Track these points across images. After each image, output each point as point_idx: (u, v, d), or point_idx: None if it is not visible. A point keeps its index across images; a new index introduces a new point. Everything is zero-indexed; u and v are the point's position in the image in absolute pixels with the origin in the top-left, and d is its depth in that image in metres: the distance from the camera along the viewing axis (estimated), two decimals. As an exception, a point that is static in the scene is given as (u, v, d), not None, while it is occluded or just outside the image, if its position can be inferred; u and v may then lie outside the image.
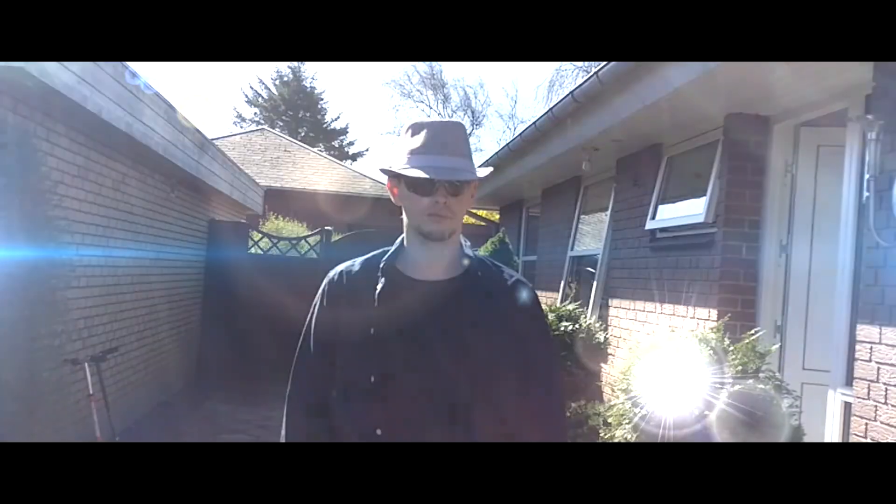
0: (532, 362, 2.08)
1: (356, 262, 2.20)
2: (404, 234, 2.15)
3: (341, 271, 2.19)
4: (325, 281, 2.21)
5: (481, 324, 2.04)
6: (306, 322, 2.18)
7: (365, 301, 2.07)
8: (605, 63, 5.95)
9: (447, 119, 2.18)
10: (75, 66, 5.09)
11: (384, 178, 2.14)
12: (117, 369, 7.50)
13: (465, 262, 2.12)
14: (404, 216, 2.13)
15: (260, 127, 30.66)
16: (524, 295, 2.14)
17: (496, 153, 10.83)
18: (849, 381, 4.16)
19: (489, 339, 2.03)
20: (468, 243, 2.16)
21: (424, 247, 2.08)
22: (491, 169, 2.19)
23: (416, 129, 2.09)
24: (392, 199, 2.14)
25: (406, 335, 2.03)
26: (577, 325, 7.99)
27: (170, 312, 9.72)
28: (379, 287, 2.07)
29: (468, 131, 2.21)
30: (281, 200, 19.78)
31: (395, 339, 2.02)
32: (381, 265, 2.11)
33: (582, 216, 9.56)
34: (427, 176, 1.98)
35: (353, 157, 41.81)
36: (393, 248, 2.16)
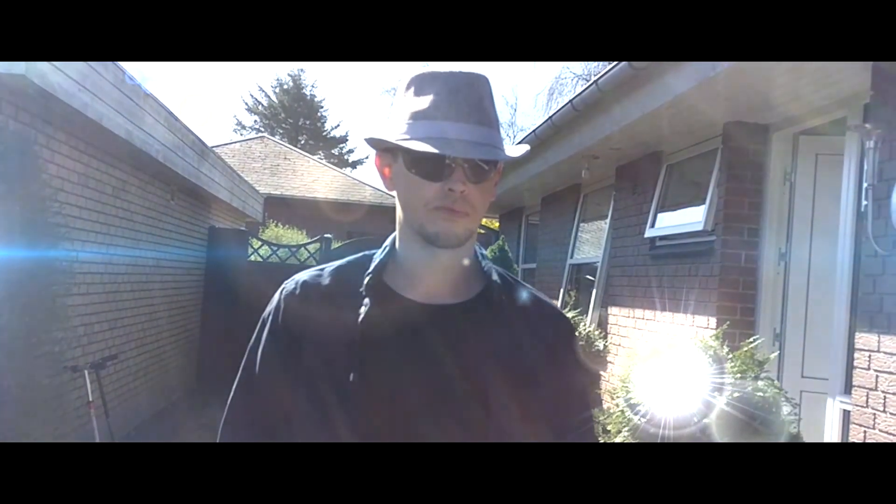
0: (570, 428, 1.50)
1: (325, 272, 1.53)
2: (397, 235, 1.51)
3: (304, 282, 1.51)
4: (279, 296, 1.52)
5: (508, 370, 1.43)
6: (246, 355, 1.54)
7: (340, 332, 1.42)
8: (604, 72, 5.97)
9: (466, 70, 1.43)
10: (76, 73, 5.11)
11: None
12: (117, 376, 7.50)
13: (483, 279, 1.50)
14: (399, 209, 1.48)
15: (260, 134, 30.73)
16: (564, 331, 1.56)
17: (496, 161, 10.83)
18: (847, 389, 4.17)
19: (519, 392, 1.43)
20: (485, 253, 1.56)
21: (427, 256, 1.44)
22: (528, 147, 1.58)
23: (421, 83, 1.42)
24: (383, 183, 1.51)
25: (401, 384, 1.40)
26: (576, 333, 7.99)
27: (170, 319, 9.72)
28: (362, 312, 1.43)
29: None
30: (281, 208, 19.83)
31: (384, 390, 1.39)
32: (366, 280, 1.46)
33: (581, 224, 9.57)
34: (437, 151, 1.34)
35: (353, 165, 41.91)
36: (380, 255, 1.51)
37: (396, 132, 1.41)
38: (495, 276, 1.50)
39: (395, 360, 1.41)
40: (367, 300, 1.44)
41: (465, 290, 1.48)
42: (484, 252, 1.55)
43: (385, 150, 1.47)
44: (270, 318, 1.51)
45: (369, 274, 1.47)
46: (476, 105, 1.40)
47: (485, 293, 1.48)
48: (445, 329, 1.44)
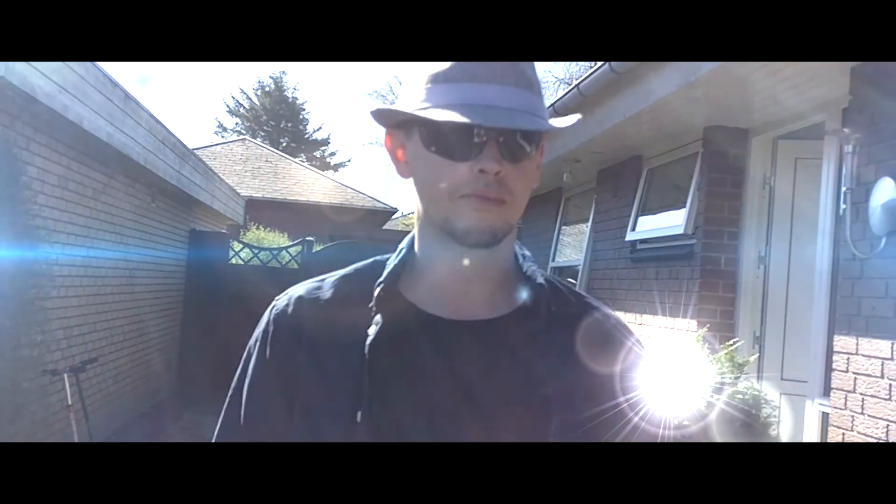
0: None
1: (326, 284, 1.20)
2: (416, 234, 1.19)
3: (299, 298, 1.19)
4: (268, 316, 1.20)
5: (562, 402, 1.11)
6: (231, 387, 1.22)
7: (344, 359, 1.11)
8: (586, 75, 6.00)
9: None
10: (56, 75, 5.08)
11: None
12: (97, 380, 7.44)
13: (526, 286, 1.17)
14: (417, 201, 1.16)
15: (241, 137, 30.63)
16: (630, 350, 1.22)
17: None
18: (826, 391, 4.20)
19: (577, 430, 1.11)
20: (528, 253, 1.23)
21: (455, 258, 1.13)
22: (579, 116, 1.21)
23: None
24: (397, 169, 1.18)
25: (421, 424, 1.09)
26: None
27: (150, 322, 9.66)
28: (372, 332, 1.11)
29: None
30: (262, 211, 19.75)
31: (399, 433, 1.09)
32: (377, 291, 1.13)
33: (563, 227, 9.61)
34: (464, 119, 1.02)
35: (335, 168, 41.82)
36: (395, 261, 1.18)
37: (412, 101, 1.09)
38: (541, 281, 1.17)
39: (414, 393, 1.10)
40: (377, 317, 1.12)
41: (503, 302, 1.16)
42: (526, 252, 1.23)
43: (397, 125, 1.15)
44: (258, 344, 1.19)
45: (381, 283, 1.14)
46: (511, 63, 1.08)
47: (529, 304, 1.15)
48: (479, 352, 1.12)
